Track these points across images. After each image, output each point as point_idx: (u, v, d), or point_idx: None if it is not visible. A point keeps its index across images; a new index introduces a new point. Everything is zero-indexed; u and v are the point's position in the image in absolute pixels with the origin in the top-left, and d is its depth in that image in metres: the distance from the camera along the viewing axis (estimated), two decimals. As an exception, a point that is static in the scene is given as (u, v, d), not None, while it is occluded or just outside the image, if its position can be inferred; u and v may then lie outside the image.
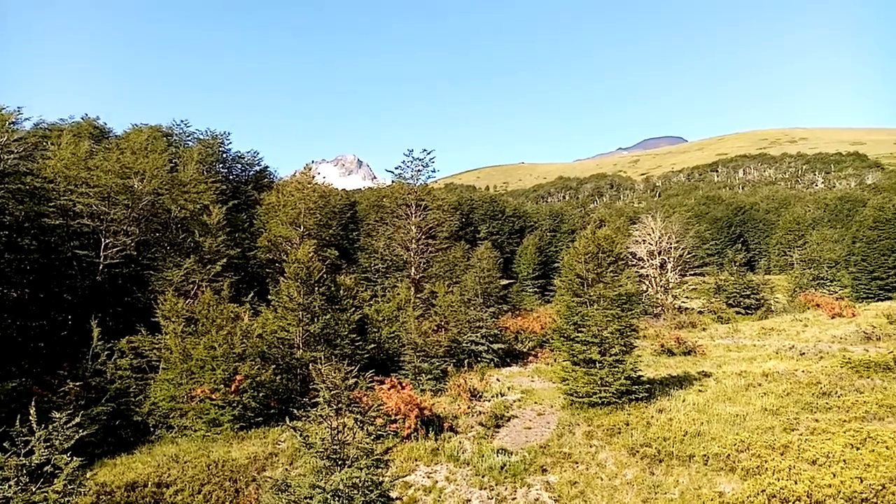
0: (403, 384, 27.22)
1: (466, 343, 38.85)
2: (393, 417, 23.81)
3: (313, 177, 50.91)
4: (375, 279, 52.15)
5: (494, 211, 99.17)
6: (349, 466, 13.65)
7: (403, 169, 46.55)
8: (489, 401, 29.28)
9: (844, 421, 22.23)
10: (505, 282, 69.31)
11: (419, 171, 46.30)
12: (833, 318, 52.65)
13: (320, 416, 14.08)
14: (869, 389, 25.71)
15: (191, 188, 38.97)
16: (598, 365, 26.42)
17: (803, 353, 35.57)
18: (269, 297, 32.70)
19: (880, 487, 16.83)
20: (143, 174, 34.22)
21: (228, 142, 58.56)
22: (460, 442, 23.74)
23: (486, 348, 38.97)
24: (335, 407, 13.96)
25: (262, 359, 27.19)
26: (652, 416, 24.26)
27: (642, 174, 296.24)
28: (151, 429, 25.46)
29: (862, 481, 17.14)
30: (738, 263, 70.93)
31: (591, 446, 22.61)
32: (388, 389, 25.67)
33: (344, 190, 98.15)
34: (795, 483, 17.47)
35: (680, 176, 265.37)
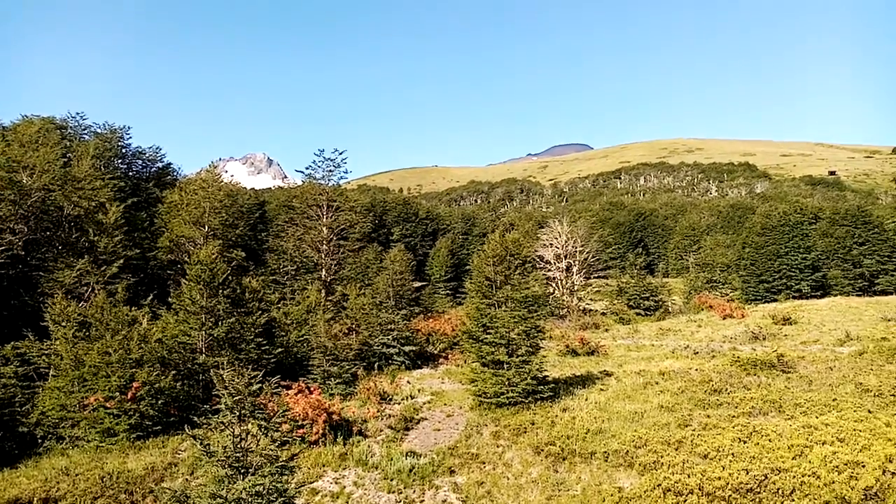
0: (312, 389, 26.72)
1: (378, 346, 38.64)
2: (300, 423, 23.34)
3: (220, 175, 49.22)
4: (284, 281, 50.97)
5: (408, 213, 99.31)
6: (252, 474, 13.25)
7: (315, 169, 45.83)
8: (399, 403, 29.23)
9: (733, 416, 23.62)
10: (418, 284, 69.46)
11: (331, 171, 45.73)
12: (724, 318, 55.94)
13: (222, 423, 13.60)
14: (755, 386, 27.45)
15: (86, 184, 36.74)
16: (505, 366, 26.91)
17: (697, 353, 37.59)
18: (170, 299, 31.32)
19: (763, 478, 18.01)
20: (33, 168, 31.98)
21: (128, 136, 55.62)
22: (369, 446, 23.58)
23: (397, 351, 38.89)
24: (238, 413, 13.52)
25: (161, 364, 25.99)
26: (556, 415, 24.94)
27: (550, 180, 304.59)
28: (39, 440, 23.84)
29: (748, 473, 18.28)
30: (638, 267, 74.32)
31: (498, 446, 22.99)
32: (296, 394, 25.14)
33: (253, 189, 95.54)
34: (688, 476, 18.41)
35: (586, 182, 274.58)
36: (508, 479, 20.49)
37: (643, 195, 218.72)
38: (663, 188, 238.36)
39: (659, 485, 18.15)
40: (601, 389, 28.68)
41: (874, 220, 77.73)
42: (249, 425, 13.84)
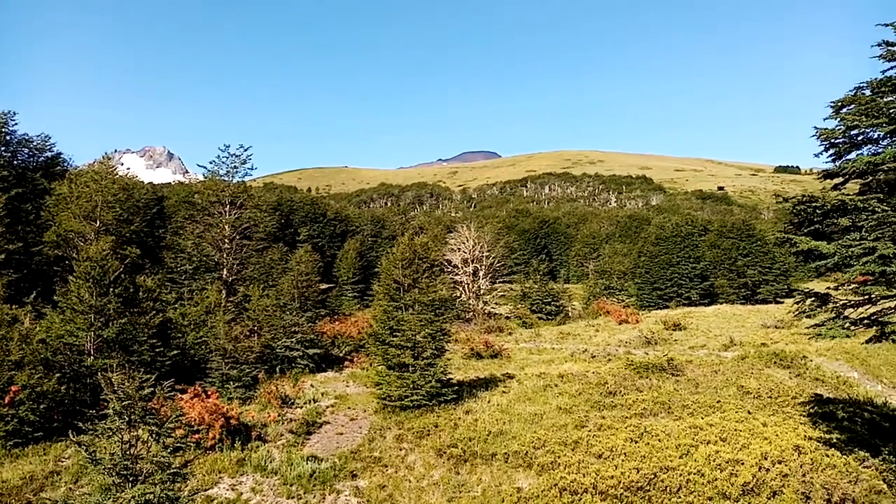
0: (209, 392, 25.73)
1: (281, 349, 37.70)
2: (196, 428, 22.43)
3: (115, 167, 46.59)
4: (183, 281, 48.80)
5: (316, 213, 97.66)
6: (142, 482, 12.62)
7: (218, 164, 44.15)
8: (302, 407, 28.65)
9: (626, 417, 24.73)
10: (324, 286, 68.38)
11: (235, 167, 44.18)
12: (620, 324, 58.41)
13: (110, 428, 12.89)
14: (647, 389, 28.83)
15: (-41, 172, 33.84)
16: (410, 368, 26.97)
17: (594, 356, 39.06)
18: (56, 297, 29.32)
19: (653, 476, 18.96)
20: None
21: (14, 122, 51.52)
22: (269, 451, 22.96)
23: (301, 353, 38.07)
24: (127, 418, 12.84)
25: (44, 367, 24.24)
26: (459, 418, 25.24)
27: (460, 185, 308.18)
28: None
29: (639, 471, 19.19)
30: (541, 273, 76.33)
31: (401, 449, 22.99)
32: (192, 398, 24.14)
33: (151, 183, 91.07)
34: (583, 476, 19.11)
35: (494, 189, 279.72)
36: (410, 481, 20.52)
37: (548, 203, 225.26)
38: (567, 197, 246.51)
39: (556, 484, 18.74)
40: (503, 392, 29.26)
41: (757, 234, 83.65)
42: (140, 431, 13.19)
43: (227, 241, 43.95)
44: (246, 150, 44.18)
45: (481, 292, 68.75)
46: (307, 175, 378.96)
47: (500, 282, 74.32)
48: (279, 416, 26.64)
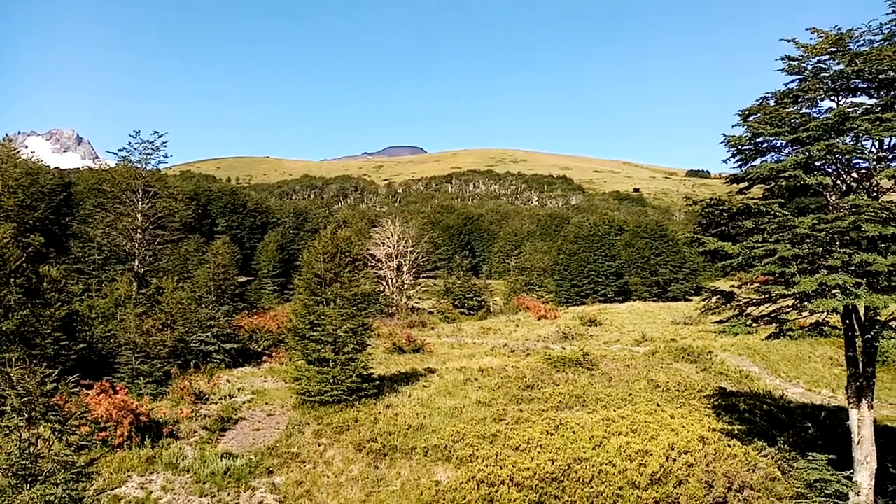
0: (117, 388, 24.60)
1: (195, 343, 36.46)
2: (102, 425, 21.43)
3: (17, 150, 43.80)
4: (91, 271, 46.39)
5: (235, 204, 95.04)
6: (42, 483, 11.97)
7: (130, 151, 42.22)
8: (217, 403, 27.86)
9: (543, 410, 25.36)
10: (243, 279, 66.74)
11: (149, 154, 42.35)
12: (539, 319, 59.78)
13: (7, 426, 12.16)
14: (563, 382, 29.66)
15: None
16: (331, 363, 26.69)
17: (514, 351, 39.83)
18: (-53, 287, 27.28)
19: (567, 467, 19.54)
20: None
21: None
22: (181, 448, 22.22)
23: (217, 348, 36.99)
24: (27, 415, 12.15)
25: (-69, 361, 22.56)
26: (380, 412, 25.20)
27: (385, 180, 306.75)
28: None
29: (554, 463, 19.74)
30: (464, 268, 77.18)
31: (319, 445, 22.74)
32: (98, 394, 23.02)
33: (57, 168, 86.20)
34: (500, 468, 19.49)
35: (419, 184, 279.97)
36: (328, 477, 20.35)
37: (472, 200, 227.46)
38: (490, 195, 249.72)
39: (473, 477, 19.02)
40: (424, 386, 29.41)
41: (669, 234, 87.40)
42: (41, 429, 12.50)
43: (139, 230, 42.12)
44: (161, 137, 42.48)
45: (405, 287, 68.78)
46: (227, 164, 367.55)
47: (423, 277, 74.60)
48: (193, 412, 25.80)
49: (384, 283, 68.76)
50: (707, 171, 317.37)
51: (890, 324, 18.00)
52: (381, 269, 68.45)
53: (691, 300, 72.78)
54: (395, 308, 64.53)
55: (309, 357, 27.18)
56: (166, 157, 43.39)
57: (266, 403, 28.02)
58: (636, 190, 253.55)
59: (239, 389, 30.77)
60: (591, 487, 18.77)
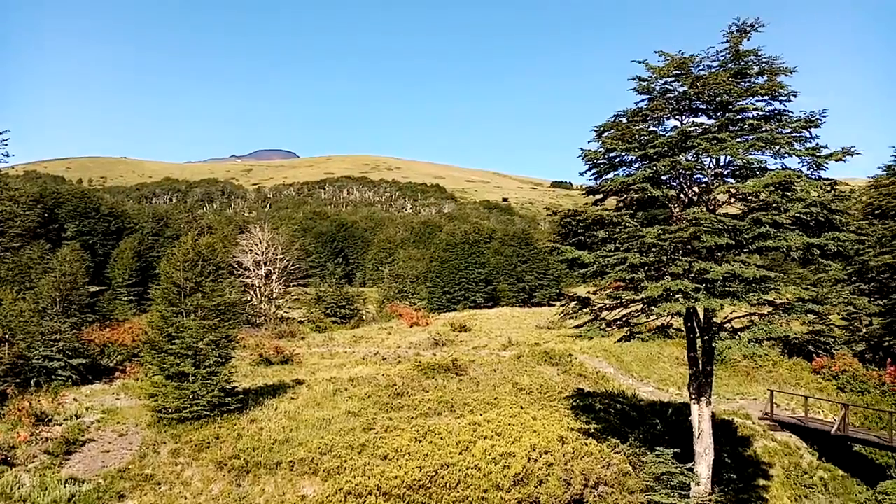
0: (-61, 413, 21.99)
1: (38, 359, 33.24)
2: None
3: None
4: None
5: (87, 208, 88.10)
6: None
7: (-40, 148, 38.07)
8: (61, 424, 25.56)
9: (412, 418, 25.48)
10: (95, 289, 62.01)
11: (-16, 152, 38.43)
12: (412, 326, 60.05)
13: None
14: (433, 388, 29.98)
15: None
16: (191, 378, 25.30)
17: (385, 359, 39.73)
18: None
19: (434, 473, 19.76)
20: None
21: None
22: (17, 475, 20.19)
23: (63, 364, 33.94)
24: None
25: None
26: (243, 427, 24.22)
27: (255, 184, 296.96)
28: None
29: (421, 470, 19.88)
30: (337, 276, 76.33)
31: (177, 464, 21.48)
32: (-86, 421, 20.44)
33: None
34: (368, 478, 19.36)
35: (291, 190, 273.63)
36: (186, 498, 19.29)
37: (346, 207, 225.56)
38: (364, 202, 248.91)
39: (341, 489, 18.77)
40: (292, 398, 28.63)
41: (534, 243, 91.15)
42: None
43: (-30, 236, 37.98)
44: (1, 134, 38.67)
45: (274, 296, 66.76)
46: (79, 164, 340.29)
47: (294, 285, 72.79)
48: (32, 435, 23.51)
49: (252, 293, 66.38)
50: (570, 183, 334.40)
51: (725, 326, 19.81)
52: (248, 277, 66.03)
53: (555, 305, 76.08)
54: (263, 318, 62.42)
55: (167, 371, 25.61)
56: (6, 155, 39.71)
57: (118, 423, 26.09)
58: (505, 200, 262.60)
59: (87, 408, 28.42)
60: (458, 492, 19.10)
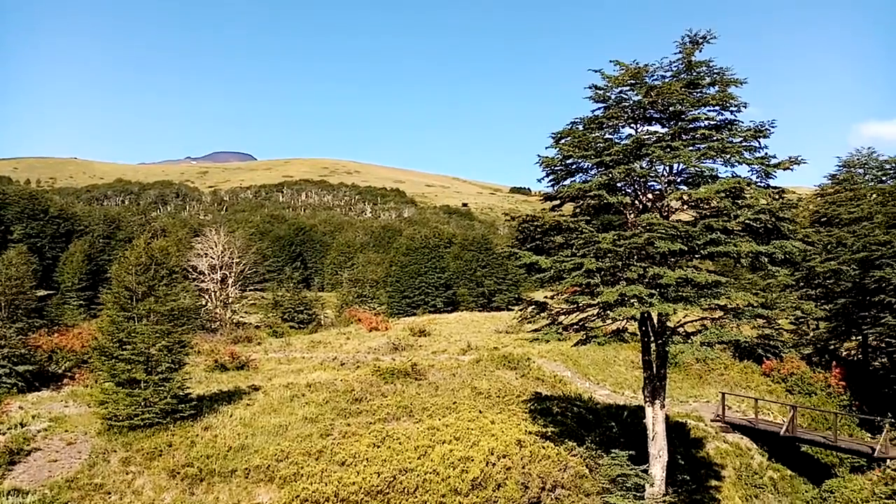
0: None
1: (-22, 366, 32.13)
2: None
3: None
4: None
5: (35, 209, 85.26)
6: None
7: None
8: (4, 434, 24.63)
9: (371, 423, 25.33)
10: (42, 293, 60.14)
11: (-78, 151, 36.87)
12: (371, 331, 59.73)
13: None
14: (392, 394, 29.86)
15: None
16: (143, 384, 24.71)
17: (343, 364, 39.44)
18: None
19: (392, 479, 19.67)
20: None
21: None
22: (-45, 489, 19.39)
23: (8, 371, 32.91)
24: None
25: None
26: (197, 435, 23.73)
27: (210, 187, 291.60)
28: None
29: (379, 475, 19.78)
30: (295, 280, 75.37)
31: (127, 473, 20.93)
32: None
33: None
34: (326, 485, 19.17)
35: (248, 193, 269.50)
36: (137, 508, 18.78)
37: (304, 211, 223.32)
38: (323, 206, 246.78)
39: (298, 496, 18.55)
40: (248, 404, 28.18)
41: (493, 248, 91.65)
42: None
43: None
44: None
45: (230, 301, 65.60)
46: (26, 165, 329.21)
47: (251, 290, 71.71)
48: (-29, 446, 22.62)
49: (207, 297, 65.12)
50: (528, 189, 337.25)
51: (678, 330, 20.25)
52: (203, 281, 64.76)
53: (513, 310, 76.61)
54: (218, 323, 61.29)
55: (117, 378, 24.95)
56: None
57: (66, 431, 25.26)
58: (464, 205, 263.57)
59: (34, 417, 27.45)
60: (416, 497, 19.06)
